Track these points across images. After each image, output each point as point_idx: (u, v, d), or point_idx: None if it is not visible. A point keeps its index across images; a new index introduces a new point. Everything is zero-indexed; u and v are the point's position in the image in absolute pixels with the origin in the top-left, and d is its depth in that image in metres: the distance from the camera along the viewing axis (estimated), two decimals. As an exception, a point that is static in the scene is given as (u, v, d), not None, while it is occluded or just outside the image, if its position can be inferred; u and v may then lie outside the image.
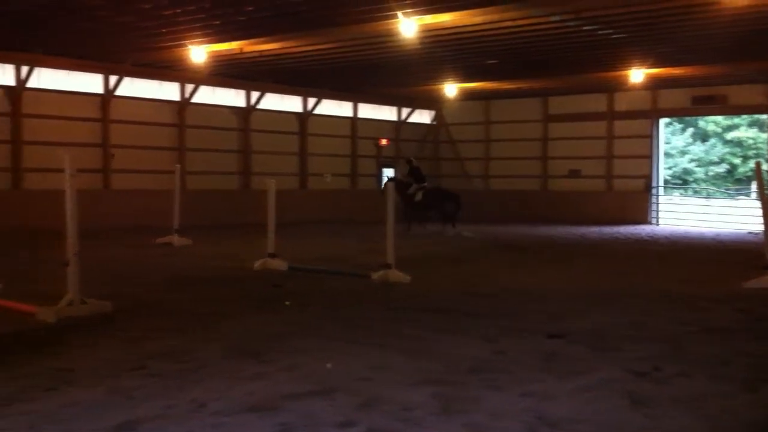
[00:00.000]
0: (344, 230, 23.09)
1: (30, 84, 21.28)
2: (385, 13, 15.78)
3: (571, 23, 16.76)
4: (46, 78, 21.76)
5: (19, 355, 6.80)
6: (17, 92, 21.14)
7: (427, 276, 12.34)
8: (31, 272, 12.41)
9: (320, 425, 4.88)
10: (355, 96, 29.64)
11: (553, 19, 16.35)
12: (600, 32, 17.54)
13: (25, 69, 21.05)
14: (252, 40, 18.74)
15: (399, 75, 24.42)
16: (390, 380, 5.93)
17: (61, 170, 8.77)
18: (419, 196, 23.98)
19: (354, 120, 30.27)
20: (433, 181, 27.11)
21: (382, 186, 24.86)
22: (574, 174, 29.83)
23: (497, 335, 7.66)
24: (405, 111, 31.95)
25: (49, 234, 16.05)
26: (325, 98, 28.58)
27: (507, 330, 7.94)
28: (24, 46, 20.09)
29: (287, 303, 9.42)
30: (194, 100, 25.01)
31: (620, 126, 28.93)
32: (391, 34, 17.07)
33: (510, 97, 30.23)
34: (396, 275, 11.59)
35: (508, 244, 19.16)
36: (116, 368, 6.28)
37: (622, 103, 28.60)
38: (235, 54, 19.94)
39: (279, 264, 13.04)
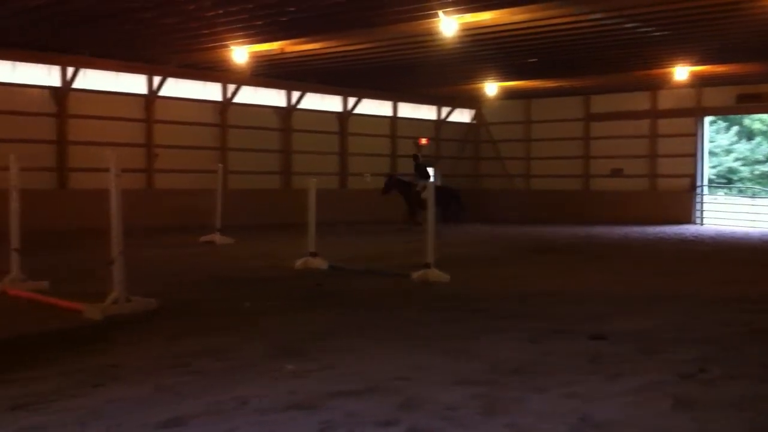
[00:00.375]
0: (384, 230, 23.11)
1: (76, 85, 21.66)
2: (425, 13, 15.79)
3: (613, 21, 16.60)
4: (91, 79, 22.13)
5: (67, 351, 6.92)
6: (63, 93, 21.54)
7: (467, 276, 12.31)
8: (77, 271, 12.63)
9: (362, 424, 4.89)
10: (395, 95, 29.66)
11: (594, 17, 16.21)
12: (641, 30, 17.33)
13: (70, 70, 21.43)
14: (293, 41, 18.86)
15: (439, 74, 24.38)
16: (431, 380, 5.92)
17: (106, 170, 8.92)
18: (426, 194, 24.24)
19: (394, 119, 30.30)
20: (452, 182, 27.20)
21: (384, 185, 25.20)
22: (617, 173, 29.51)
23: (539, 336, 7.61)
24: (445, 110, 31.89)
25: (95, 233, 16.35)
26: (365, 98, 28.64)
27: (549, 331, 7.88)
28: (70, 48, 20.45)
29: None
30: (236, 100, 25.25)
31: (664, 124, 28.57)
32: (431, 33, 17.07)
33: (551, 96, 30.01)
34: (436, 275, 11.58)
35: (549, 245, 19.02)
36: (161, 365, 6.37)
37: (665, 101, 28.25)
38: (277, 54, 20.09)
39: (320, 263, 13.12)
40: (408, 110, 30.83)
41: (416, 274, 11.64)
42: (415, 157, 25.52)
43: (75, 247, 16.43)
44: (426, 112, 31.61)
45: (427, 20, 16.24)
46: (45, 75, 21.40)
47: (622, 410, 5.24)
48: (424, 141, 31.03)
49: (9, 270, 10.39)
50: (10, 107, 20.68)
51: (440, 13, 15.49)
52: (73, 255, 15.24)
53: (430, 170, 31.25)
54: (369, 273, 12.60)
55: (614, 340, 7.44)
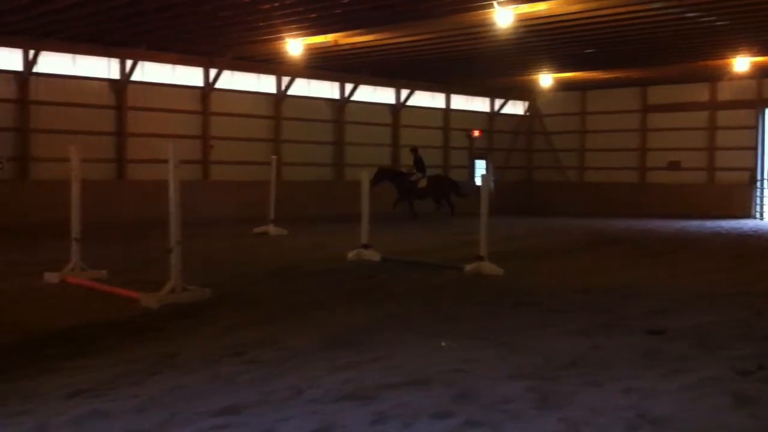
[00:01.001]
0: (437, 221, 23.06)
1: (134, 78, 22.04)
2: (480, 3, 15.69)
3: (673, 10, 16.26)
4: (149, 72, 22.50)
5: (125, 340, 7.05)
6: (122, 86, 21.93)
7: (520, 269, 12.22)
8: (135, 260, 12.86)
9: (416, 415, 4.89)
10: (448, 87, 29.54)
11: (654, 6, 15.90)
12: (703, 20, 16.95)
13: (129, 63, 21.82)
14: (347, 33, 18.91)
15: (493, 66, 24.20)
16: (485, 373, 5.89)
17: (163, 161, 9.05)
18: (423, 183, 24.59)
19: (446, 111, 30.19)
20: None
21: (372, 177, 24.96)
22: (674, 166, 28.96)
23: (594, 330, 7.52)
24: (498, 102, 31.67)
25: (152, 223, 16.66)
26: (418, 90, 28.58)
27: (604, 325, 7.78)
28: (128, 41, 20.81)
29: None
30: (290, 92, 25.42)
31: (723, 116, 27.95)
32: (485, 25, 16.95)
33: (607, 87, 29.58)
34: (489, 268, 11.52)
35: (605, 238, 18.77)
36: (217, 354, 6.45)
37: (725, 93, 27.61)
38: (331, 47, 20.16)
39: (372, 255, 13.14)
40: (461, 102, 30.69)
41: (469, 267, 11.59)
42: (414, 149, 25.41)
43: (133, 237, 16.74)
44: (479, 104, 31.42)
45: (481, 11, 16.13)
46: (104, 68, 21.82)
47: (680, 406, 5.15)
48: (476, 133, 30.88)
49: (69, 259, 10.62)
50: (71, 99, 21.16)
51: (495, 3, 15.36)
52: (131, 245, 15.53)
53: (482, 162, 31.13)
54: (421, 265, 12.58)
55: (672, 335, 7.31)
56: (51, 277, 10.34)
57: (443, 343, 6.89)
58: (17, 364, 6.05)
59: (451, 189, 25.16)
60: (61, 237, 11.99)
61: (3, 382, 5.55)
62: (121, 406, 5.06)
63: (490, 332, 7.39)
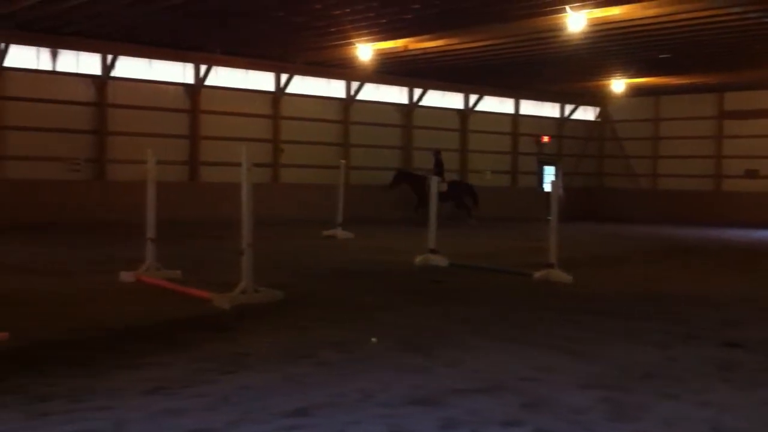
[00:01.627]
0: (503, 227, 22.90)
1: (207, 82, 22.49)
2: (552, 8, 15.55)
3: (752, 15, 15.83)
4: (222, 76, 22.93)
5: (198, 339, 7.17)
6: (196, 90, 22.39)
7: (591, 278, 12.03)
8: (207, 261, 13.10)
9: (485, 423, 4.85)
10: (517, 92, 29.32)
11: (732, 10, 15.50)
12: (785, 24, 16.48)
13: (203, 68, 22.27)
14: (417, 38, 18.96)
15: (564, 71, 23.95)
16: (556, 382, 5.82)
17: (234, 164, 9.19)
18: (443, 187, 23.58)
19: (515, 116, 29.97)
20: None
21: (390, 180, 24.63)
22: (751, 174, 28.14)
23: (669, 341, 7.36)
24: (568, 108, 31.29)
25: (223, 225, 16.94)
26: (487, 95, 28.45)
27: (679, 336, 7.60)
28: (203, 46, 21.25)
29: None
30: (359, 97, 25.57)
31: (804, 123, 27.08)
32: (557, 29, 16.79)
33: (682, 93, 28.93)
34: (558, 275, 11.38)
35: (679, 246, 18.36)
36: (288, 355, 6.52)
37: (807, 99, 26.75)
38: (400, 51, 20.24)
39: (440, 260, 13.11)
40: (530, 107, 30.44)
41: (538, 274, 11.47)
42: (437, 152, 24.88)
43: (205, 238, 17.05)
44: (549, 109, 31.10)
45: (553, 16, 15.98)
46: (179, 72, 22.32)
47: (757, 421, 5.00)
48: (545, 139, 30.58)
49: (144, 259, 10.88)
50: (147, 103, 21.71)
51: (568, 8, 15.20)
52: (203, 245, 15.82)
53: (551, 168, 30.79)
54: (489, 271, 12.50)
55: (749, 348, 7.10)
56: (127, 276, 10.60)
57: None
58: (97, 360, 6.22)
59: (469, 194, 24.91)
60: (136, 236, 12.28)
61: (84, 377, 5.71)
62: (194, 403, 5.15)
63: (562, 340, 7.29)
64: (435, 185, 13.80)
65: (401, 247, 16.12)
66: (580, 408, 5.18)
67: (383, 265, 13.19)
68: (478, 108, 28.63)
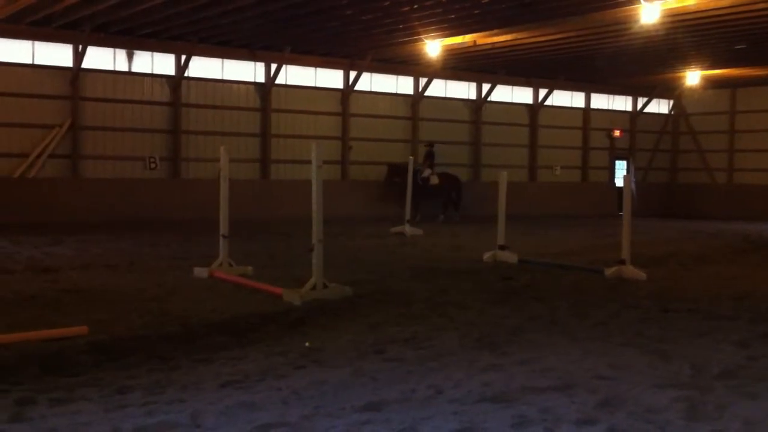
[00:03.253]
0: (574, 224, 22.59)
1: (278, 81, 22.77)
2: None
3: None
4: (292, 75, 23.19)
5: (270, 334, 7.28)
6: (267, 89, 22.69)
7: (665, 275, 11.79)
8: (277, 257, 13.27)
9: (559, 421, 4.80)
10: (588, 86, 28.86)
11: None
12: None
13: (274, 66, 22.55)
14: (486, 33, 18.83)
15: (636, 63, 23.46)
16: (631, 380, 5.72)
17: (304, 161, 9.29)
18: (435, 180, 23.03)
19: (586, 111, 29.50)
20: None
21: (384, 176, 23.61)
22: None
23: (749, 340, 7.15)
24: (641, 101, 30.62)
25: (293, 221, 17.15)
26: (557, 89, 28.08)
27: (760, 335, 7.38)
28: (274, 45, 21.52)
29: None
30: (427, 93, 25.53)
31: None
32: (630, 21, 16.46)
33: (760, 84, 28.03)
34: (631, 272, 11.18)
35: (755, 243, 17.83)
36: (359, 351, 6.56)
37: None
38: (469, 47, 20.13)
39: (509, 256, 13.01)
40: (602, 101, 29.91)
41: (610, 271, 11.29)
42: (430, 144, 24.05)
43: (276, 235, 17.27)
44: (621, 103, 30.52)
45: (627, 8, 15.69)
46: (251, 71, 22.65)
47: None
48: (617, 133, 30.03)
49: (218, 255, 11.08)
50: (219, 102, 22.11)
51: (641, -1, 14.91)
52: (274, 242, 16.02)
53: (624, 163, 30.22)
54: (560, 268, 12.34)
55: (835, 349, 6.85)
56: (201, 272, 10.82)
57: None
58: (173, 354, 6.37)
59: (460, 188, 23.88)
60: (209, 233, 12.53)
61: (161, 370, 5.85)
62: (267, 398, 5.22)
63: (636, 338, 7.17)
64: (504, 181, 13.61)
65: (470, 243, 16.05)
66: (656, 407, 5.08)
67: (452, 262, 13.15)
68: (548, 103, 28.27)
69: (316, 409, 4.98)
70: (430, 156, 23.77)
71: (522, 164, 27.88)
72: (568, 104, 29.12)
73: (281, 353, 6.45)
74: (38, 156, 19.81)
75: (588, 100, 29.46)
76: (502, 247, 13.22)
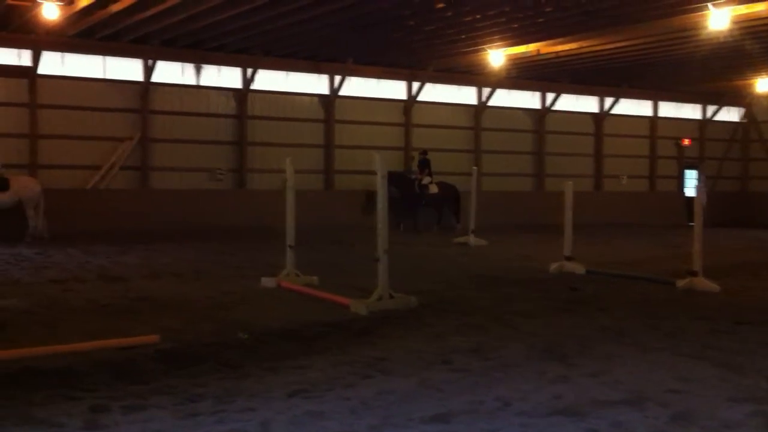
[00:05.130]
0: (641, 234, 22.17)
1: (341, 92, 22.96)
2: (693, 6, 14.98)
3: None
4: (355, 86, 23.35)
5: (337, 343, 7.30)
6: (330, 100, 22.90)
7: (739, 286, 11.46)
8: (342, 267, 13.33)
9: (630, 435, 4.71)
10: (655, 94, 28.35)
11: None
12: None
13: (337, 78, 22.78)
14: (550, 41, 18.68)
15: (705, 70, 22.96)
16: (704, 394, 5.57)
17: (366, 172, 9.32)
18: (434, 189, 22.04)
19: (653, 119, 28.99)
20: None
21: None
22: None
23: (828, 354, 6.91)
24: (710, 108, 29.94)
25: (355, 230, 17.21)
26: (623, 97, 27.66)
27: (839, 349, 7.13)
28: (337, 56, 21.72)
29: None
30: (490, 103, 25.42)
31: None
32: (698, 28, 16.13)
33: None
34: (703, 283, 10.91)
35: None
36: (425, 361, 6.54)
37: None
38: (532, 56, 19.99)
39: (576, 267, 12.83)
40: (669, 109, 29.35)
41: (681, 282, 11.03)
42: (424, 152, 22.92)
43: (341, 244, 17.38)
44: (689, 110, 29.90)
45: (694, 14, 15.38)
46: (314, 83, 22.89)
47: None
48: (686, 141, 29.42)
49: (284, 264, 11.19)
50: (284, 114, 22.41)
51: (710, 5, 14.59)
52: (339, 251, 16.11)
53: (693, 172, 29.59)
54: (629, 278, 12.11)
55: None
56: (268, 282, 10.94)
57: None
58: (242, 363, 6.44)
59: (458, 198, 22.74)
60: (273, 243, 12.65)
61: (230, 379, 5.93)
62: (335, 407, 5.24)
63: (710, 351, 6.98)
64: (570, 190, 13.43)
65: (535, 253, 15.89)
66: (730, 422, 4.95)
67: (517, 272, 13.03)
68: (614, 111, 27.86)
69: (384, 419, 4.97)
70: (425, 164, 22.84)
71: (587, 174, 27.50)
72: (634, 112, 28.65)
73: (348, 363, 6.47)
74: (110, 168, 20.34)
75: (655, 108, 28.95)
76: (568, 258, 13.04)
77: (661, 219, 26.74)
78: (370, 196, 21.97)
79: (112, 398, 5.37)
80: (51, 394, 5.44)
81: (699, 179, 24.57)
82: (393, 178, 21.31)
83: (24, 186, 17.50)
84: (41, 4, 15.26)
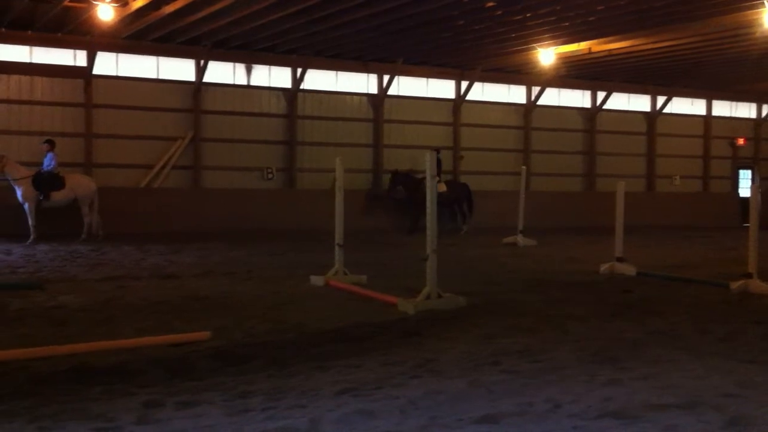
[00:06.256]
0: (694, 235, 21.79)
1: (390, 92, 23.00)
2: (748, 3, 14.66)
3: None
4: (404, 86, 23.38)
5: (385, 342, 7.32)
6: (379, 100, 22.95)
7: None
8: (390, 266, 13.36)
9: (684, 440, 4.64)
10: (709, 93, 27.83)
11: None
12: None
13: (386, 78, 22.80)
14: (601, 40, 18.47)
15: (760, 69, 22.46)
16: (760, 399, 5.46)
17: (414, 171, 9.32)
18: (442, 188, 20.80)
19: (707, 118, 28.46)
20: None
21: (388, 185, 21.81)
22: None
23: None
24: (766, 108, 29.29)
25: (404, 230, 17.15)
26: (676, 96, 27.20)
27: None
28: (386, 57, 21.75)
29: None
30: (540, 102, 25.22)
31: None
32: (753, 25, 15.79)
33: None
34: (758, 286, 10.69)
35: None
36: (474, 362, 6.52)
37: None
38: (583, 54, 19.78)
39: (627, 269, 12.67)
40: (723, 108, 28.79)
41: (735, 285, 10.82)
42: (436, 150, 22.34)
43: (387, 244, 17.40)
44: (744, 110, 29.30)
45: (749, 11, 15.06)
46: (363, 83, 22.96)
47: None
48: (741, 141, 28.83)
49: (331, 263, 11.26)
50: (333, 114, 22.52)
51: (766, 2, 14.27)
52: (386, 251, 16.14)
53: (748, 172, 29.00)
54: (681, 281, 11.92)
55: None
56: (316, 280, 11.02)
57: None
58: (292, 360, 6.50)
59: (471, 197, 22.13)
60: (322, 242, 12.73)
61: (281, 377, 5.98)
62: (384, 406, 5.25)
63: (764, 355, 6.84)
64: (622, 190, 13.26)
65: (585, 254, 15.72)
66: (788, 429, 4.84)
67: (566, 273, 12.91)
68: (667, 110, 27.43)
69: (433, 419, 4.97)
70: (436, 163, 22.48)
71: (639, 174, 27.11)
72: (687, 111, 28.17)
73: (396, 362, 6.48)
74: (162, 167, 20.67)
75: (709, 107, 28.43)
76: (619, 259, 12.88)
77: (715, 220, 26.27)
78: (371, 197, 22.21)
79: (165, 394, 5.46)
80: (107, 389, 5.56)
81: (753, 180, 24.15)
82: (399, 178, 21.44)
83: (79, 184, 17.88)
84: (96, 5, 15.56)
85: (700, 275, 12.48)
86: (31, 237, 16.80)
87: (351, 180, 20.86)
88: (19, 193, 17.21)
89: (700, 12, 15.69)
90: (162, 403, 5.26)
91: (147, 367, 6.26)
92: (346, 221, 11.42)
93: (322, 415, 5.03)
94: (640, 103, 27.27)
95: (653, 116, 27.30)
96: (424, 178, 21.90)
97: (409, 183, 21.27)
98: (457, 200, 22.10)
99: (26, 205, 17.19)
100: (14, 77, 19.28)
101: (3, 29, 18.58)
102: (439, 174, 21.13)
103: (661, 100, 27.19)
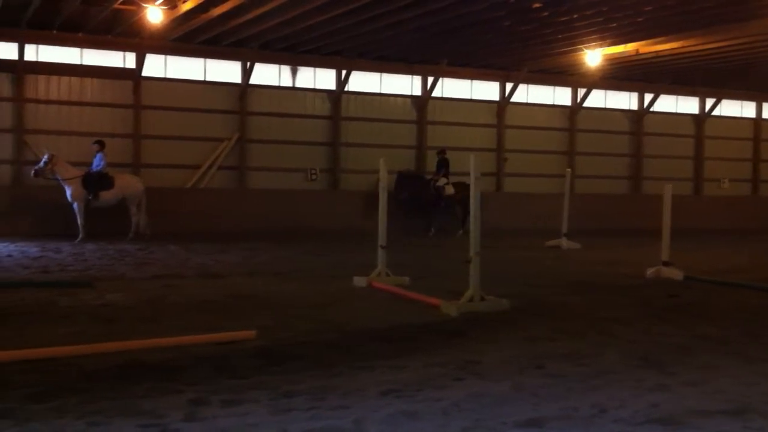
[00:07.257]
0: (743, 239, 21.38)
1: (434, 93, 22.99)
2: (802, 3, 14.37)
3: None
4: (448, 87, 23.35)
5: (428, 344, 7.31)
6: (423, 101, 22.95)
7: None
8: (433, 268, 13.35)
9: (733, 447, 4.56)
10: (760, 95, 27.31)
11: None
12: None
13: (430, 80, 22.80)
14: (649, 41, 18.25)
15: (813, 70, 22.01)
16: (813, 408, 5.35)
17: (457, 173, 9.31)
18: (450, 190, 20.69)
19: (757, 121, 27.93)
20: None
21: (394, 186, 20.79)
22: None
23: None
24: (820, 109, 28.67)
25: (443, 232, 17.13)
26: (725, 98, 26.76)
27: None
28: (430, 58, 21.75)
29: None
30: (586, 104, 25.00)
31: None
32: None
33: None
34: (811, 292, 10.46)
35: None
36: (518, 365, 6.48)
37: None
38: (630, 56, 19.56)
39: (674, 273, 12.48)
40: (775, 111, 28.25)
41: (786, 290, 10.61)
42: (442, 151, 21.74)
43: (428, 247, 17.38)
44: (796, 112, 28.70)
45: (804, 11, 14.77)
46: (407, 84, 22.98)
47: None
48: (792, 144, 28.26)
49: (374, 264, 11.29)
50: (377, 115, 22.58)
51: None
52: (428, 253, 16.11)
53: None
54: (731, 286, 11.70)
55: None
56: (359, 281, 11.05)
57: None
58: (335, 361, 6.53)
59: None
60: (365, 243, 12.75)
61: (324, 377, 6.01)
62: (427, 407, 5.24)
63: (817, 363, 6.70)
64: (669, 193, 13.06)
65: (630, 258, 15.53)
66: (842, 438, 4.73)
67: (611, 277, 12.77)
68: (716, 113, 26.98)
69: (477, 422, 4.95)
70: (443, 164, 21.78)
71: (686, 177, 26.71)
72: (737, 114, 27.68)
73: (439, 364, 6.47)
74: (209, 167, 20.93)
75: (759, 109, 27.91)
76: (666, 263, 12.70)
77: (765, 224, 25.75)
78: (370, 198, 22.04)
79: (211, 392, 5.52)
80: (154, 387, 5.63)
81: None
82: (410, 180, 21.31)
83: (127, 184, 18.18)
84: (146, 8, 15.81)
85: (749, 280, 12.24)
86: (80, 236, 17.14)
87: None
88: (68, 192, 17.56)
89: (749, 13, 15.43)
90: (208, 401, 5.31)
91: (193, 364, 6.33)
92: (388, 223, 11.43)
93: (366, 415, 5.04)
94: (688, 105, 26.88)
95: (701, 118, 26.88)
96: (432, 179, 22.49)
97: (415, 183, 21.32)
98: (465, 201, 21.86)
99: (75, 205, 17.53)
100: (65, 79, 19.68)
101: (54, 31, 18.98)
102: (446, 175, 21.37)
103: (709, 102, 26.77)
